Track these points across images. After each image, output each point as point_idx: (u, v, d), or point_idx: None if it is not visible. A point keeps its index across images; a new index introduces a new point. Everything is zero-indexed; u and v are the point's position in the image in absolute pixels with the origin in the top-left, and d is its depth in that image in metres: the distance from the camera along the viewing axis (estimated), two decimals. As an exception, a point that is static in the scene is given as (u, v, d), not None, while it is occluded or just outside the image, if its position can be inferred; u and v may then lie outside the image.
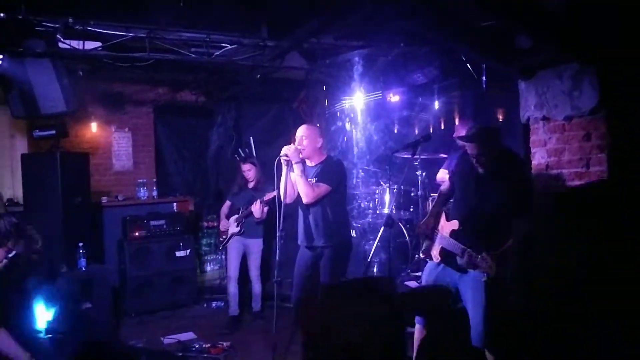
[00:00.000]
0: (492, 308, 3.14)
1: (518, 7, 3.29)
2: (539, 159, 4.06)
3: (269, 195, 5.15)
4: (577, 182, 3.81)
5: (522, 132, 4.32)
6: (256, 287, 5.63)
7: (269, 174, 4.03)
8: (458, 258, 3.24)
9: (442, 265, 3.44)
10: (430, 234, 3.54)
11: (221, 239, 5.77)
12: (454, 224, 3.35)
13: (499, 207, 3.17)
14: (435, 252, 3.50)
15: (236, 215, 5.57)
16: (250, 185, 5.60)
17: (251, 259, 5.59)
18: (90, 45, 4.88)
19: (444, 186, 3.77)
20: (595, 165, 3.68)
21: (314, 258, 3.97)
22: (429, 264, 3.57)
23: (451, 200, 3.66)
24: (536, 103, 4.02)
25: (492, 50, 3.92)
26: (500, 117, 5.35)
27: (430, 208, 4.32)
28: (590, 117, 3.68)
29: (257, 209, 5.28)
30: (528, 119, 4.12)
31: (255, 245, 5.57)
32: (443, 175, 5.20)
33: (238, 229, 5.52)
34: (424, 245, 3.64)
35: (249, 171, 5.57)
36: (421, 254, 3.81)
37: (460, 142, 4.19)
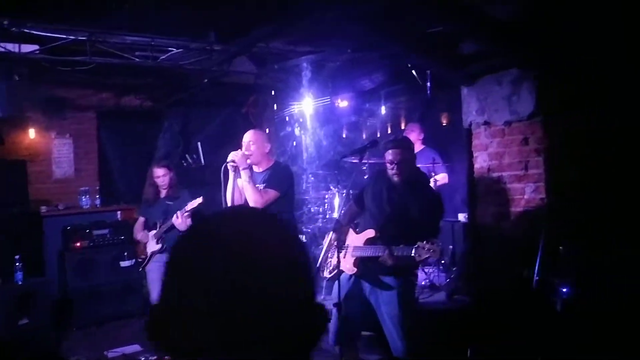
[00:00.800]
0: (407, 316, 3.26)
1: (465, 13, 3.40)
2: (481, 162, 4.20)
3: (192, 204, 4.60)
4: (517, 184, 3.97)
5: (465, 136, 4.45)
6: None
7: (217, 180, 3.94)
8: (385, 258, 3.21)
9: (354, 277, 3.49)
10: (337, 257, 3.49)
11: (140, 260, 5.01)
12: (369, 233, 3.41)
13: (412, 217, 3.26)
14: (349, 265, 3.49)
15: (154, 231, 4.87)
16: (163, 193, 4.93)
17: None
18: (28, 48, 4.68)
19: (343, 216, 3.83)
20: (533, 168, 3.85)
21: None
22: (342, 278, 3.49)
23: (356, 221, 3.70)
24: (478, 108, 4.16)
25: (438, 56, 4.04)
26: (445, 122, 5.51)
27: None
28: (528, 121, 3.85)
29: (180, 221, 4.60)
30: (470, 124, 4.26)
31: None
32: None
33: (159, 245, 4.81)
34: (328, 266, 3.68)
35: (163, 177, 4.87)
36: (327, 274, 3.74)
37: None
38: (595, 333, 3.13)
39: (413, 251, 3.05)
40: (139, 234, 5.04)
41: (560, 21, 3.41)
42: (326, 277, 3.77)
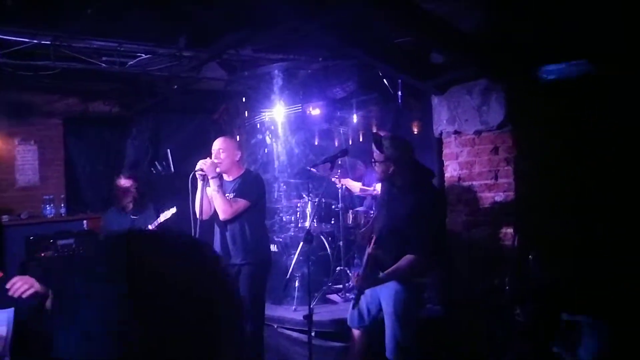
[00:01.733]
0: (404, 319, 3.23)
1: (432, 26, 3.40)
2: (451, 171, 4.21)
3: (165, 215, 4.51)
4: (487, 193, 3.98)
5: (436, 145, 4.45)
6: None
7: (185, 188, 3.83)
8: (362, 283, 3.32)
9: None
10: (365, 245, 3.56)
11: None
12: (372, 240, 3.41)
13: (405, 223, 3.21)
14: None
15: None
16: (129, 207, 4.79)
17: None
18: (-14, 52, 4.51)
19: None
20: (503, 177, 3.86)
21: (233, 275, 3.85)
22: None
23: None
24: (448, 117, 4.16)
25: (408, 66, 4.03)
26: (416, 130, 5.51)
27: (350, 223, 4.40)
28: (497, 131, 3.87)
29: None
30: (441, 133, 4.27)
31: None
32: (355, 186, 5.29)
33: None
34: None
35: (129, 187, 4.74)
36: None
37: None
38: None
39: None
40: None
41: (523, 32, 3.44)
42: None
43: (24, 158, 6.75)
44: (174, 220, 4.65)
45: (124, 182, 4.80)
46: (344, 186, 5.14)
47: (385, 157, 3.22)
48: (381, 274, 3.16)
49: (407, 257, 3.15)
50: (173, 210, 4.58)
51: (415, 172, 3.28)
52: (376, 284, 3.23)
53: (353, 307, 3.48)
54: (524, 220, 3.78)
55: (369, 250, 3.35)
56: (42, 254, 5.64)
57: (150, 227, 4.57)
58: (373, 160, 3.30)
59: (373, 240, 3.29)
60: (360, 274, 3.28)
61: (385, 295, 3.29)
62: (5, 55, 4.56)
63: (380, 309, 3.40)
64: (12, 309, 2.13)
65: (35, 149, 6.80)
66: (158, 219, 4.61)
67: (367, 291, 3.40)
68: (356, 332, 3.55)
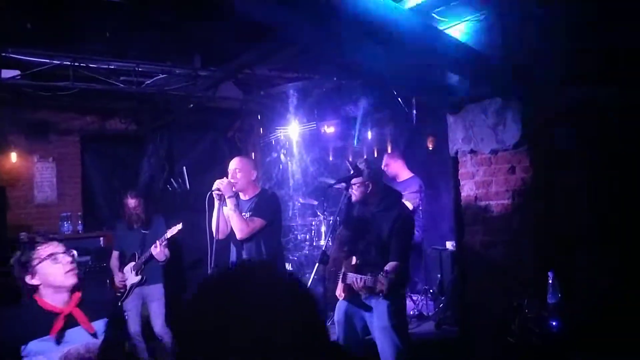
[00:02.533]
0: (400, 329, 3.34)
1: (443, 46, 3.41)
2: (467, 190, 4.18)
3: (172, 231, 4.56)
4: (504, 213, 3.94)
5: (451, 164, 4.43)
6: (167, 340, 4.71)
7: (203, 206, 3.85)
8: (357, 288, 3.33)
9: (347, 301, 3.54)
10: (334, 278, 3.65)
11: (118, 294, 4.77)
12: (352, 260, 3.46)
13: (389, 235, 3.34)
14: (339, 291, 3.59)
15: (132, 263, 4.74)
16: (137, 224, 4.83)
17: (153, 307, 4.74)
18: (9, 73, 4.62)
19: (340, 236, 3.88)
20: (520, 197, 3.83)
21: None
22: (338, 303, 3.65)
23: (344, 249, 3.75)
24: (464, 137, 4.14)
25: (422, 85, 4.03)
26: (431, 147, 5.50)
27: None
28: (514, 150, 3.83)
29: (158, 250, 4.57)
30: (456, 152, 4.24)
31: (157, 291, 4.76)
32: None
33: (139, 277, 4.68)
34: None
35: (137, 207, 4.80)
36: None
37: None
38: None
39: (374, 282, 3.16)
40: (116, 270, 4.89)
41: (537, 53, 3.43)
42: None
43: (43, 175, 6.84)
44: (182, 235, 4.74)
45: (131, 201, 4.83)
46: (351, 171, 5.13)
47: (363, 178, 3.45)
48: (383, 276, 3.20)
49: (391, 264, 3.28)
50: (179, 226, 4.61)
51: (388, 191, 3.58)
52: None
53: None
54: (542, 241, 3.73)
55: (350, 269, 3.43)
56: (60, 272, 5.68)
57: (158, 242, 4.60)
58: (350, 186, 3.52)
59: (354, 260, 3.44)
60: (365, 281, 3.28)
61: (379, 311, 3.37)
62: (25, 76, 4.67)
63: (365, 333, 3.48)
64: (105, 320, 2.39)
65: (53, 166, 6.89)
66: (165, 235, 4.62)
67: (343, 324, 3.52)
68: None
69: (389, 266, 3.27)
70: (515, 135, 3.78)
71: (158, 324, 4.74)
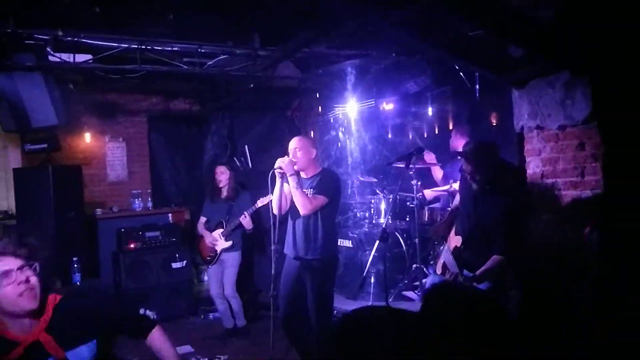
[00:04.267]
0: None
1: (508, 18, 3.26)
2: (533, 168, 4.03)
3: (262, 201, 4.90)
4: (572, 191, 3.78)
5: (516, 140, 4.28)
6: (234, 303, 5.25)
7: (264, 183, 3.98)
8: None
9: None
10: (440, 242, 3.61)
11: (208, 258, 5.30)
12: (458, 240, 3.37)
13: (494, 224, 3.19)
14: (438, 265, 3.58)
15: (221, 230, 5.20)
16: (224, 193, 5.27)
17: (228, 272, 5.19)
18: (81, 58, 4.85)
19: (456, 200, 3.82)
20: (590, 174, 3.65)
21: (302, 269, 3.94)
22: (433, 278, 3.64)
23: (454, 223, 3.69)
24: (529, 112, 3.98)
25: (484, 60, 3.89)
26: (494, 122, 5.33)
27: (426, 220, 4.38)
28: (583, 126, 3.64)
29: (247, 219, 5.03)
30: (522, 128, 4.09)
31: (231, 259, 5.20)
32: (430, 193, 5.23)
33: (229, 242, 5.15)
34: (439, 248, 3.71)
35: (222, 174, 5.21)
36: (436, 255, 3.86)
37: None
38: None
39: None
40: (207, 233, 5.30)
41: (609, 19, 3.21)
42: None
43: (114, 154, 7.21)
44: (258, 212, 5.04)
45: (220, 168, 5.25)
46: (419, 183, 5.08)
47: (472, 167, 3.33)
48: (476, 273, 3.15)
49: (495, 258, 3.20)
50: (270, 196, 4.80)
51: (501, 174, 3.42)
52: (471, 282, 3.20)
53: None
54: (612, 221, 3.56)
55: (451, 249, 3.35)
56: (132, 246, 6.03)
57: (246, 213, 5.01)
58: (468, 170, 3.39)
59: (459, 241, 3.32)
60: (457, 272, 3.24)
61: None
62: (96, 60, 4.89)
63: None
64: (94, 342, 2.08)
65: (123, 146, 7.25)
66: (255, 205, 4.99)
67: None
68: None
69: (491, 262, 3.17)
70: (584, 110, 3.59)
71: (229, 287, 5.19)
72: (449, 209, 4.07)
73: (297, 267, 3.96)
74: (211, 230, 5.27)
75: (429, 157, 5.38)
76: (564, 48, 3.46)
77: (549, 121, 3.85)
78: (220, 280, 5.24)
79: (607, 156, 3.58)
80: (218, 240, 5.21)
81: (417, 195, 5.03)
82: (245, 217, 5.02)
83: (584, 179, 3.69)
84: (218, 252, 5.21)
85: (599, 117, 3.58)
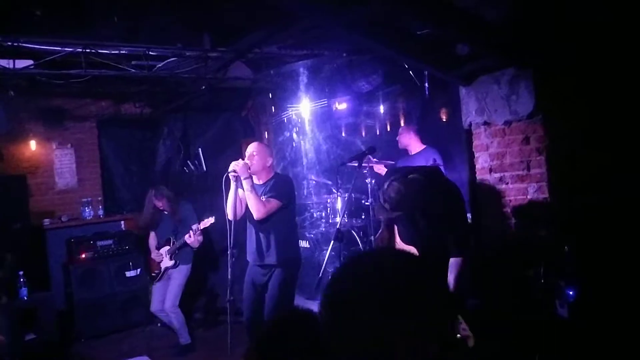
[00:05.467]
0: None
1: (454, 18, 3.34)
2: (482, 163, 4.15)
3: (205, 224, 4.84)
4: (519, 184, 3.91)
5: (465, 136, 4.39)
6: (174, 319, 5.03)
7: (219, 186, 3.92)
8: None
9: None
10: None
11: (153, 274, 5.18)
12: (410, 249, 3.32)
13: (443, 230, 3.12)
14: None
15: (167, 247, 5.08)
16: (166, 213, 5.15)
17: (172, 284, 5.03)
18: (22, 63, 4.66)
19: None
20: (535, 167, 3.79)
21: (264, 276, 3.92)
22: None
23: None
24: (477, 108, 4.10)
25: (432, 58, 3.98)
26: (444, 119, 5.44)
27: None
28: (528, 121, 3.78)
29: (192, 239, 4.91)
30: (470, 124, 4.20)
31: (178, 273, 5.05)
32: (382, 169, 5.26)
33: (173, 262, 5.03)
34: None
35: (163, 204, 5.09)
36: None
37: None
38: (602, 339, 3.09)
39: None
40: (152, 246, 5.21)
41: (551, 19, 3.34)
42: None
43: (62, 161, 6.95)
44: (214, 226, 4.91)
45: (157, 202, 5.07)
46: (373, 181, 5.14)
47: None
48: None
49: (457, 261, 3.03)
50: (211, 219, 4.80)
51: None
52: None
53: None
54: (558, 211, 3.70)
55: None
56: (83, 256, 5.84)
57: (191, 232, 4.91)
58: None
59: (413, 250, 3.26)
60: None
61: None
62: (39, 65, 4.71)
63: None
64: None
65: (72, 152, 7.00)
66: (198, 225, 4.90)
67: None
68: None
69: (453, 266, 2.98)
70: (528, 106, 3.73)
71: (169, 301, 5.01)
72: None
73: (258, 273, 3.93)
74: (160, 246, 5.14)
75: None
76: (509, 45, 3.57)
77: (495, 117, 3.97)
78: (163, 296, 5.06)
79: (551, 149, 3.73)
80: (163, 257, 5.11)
81: (370, 182, 5.05)
82: (190, 236, 4.90)
83: (530, 172, 3.83)
84: (162, 269, 5.08)
85: (543, 112, 3.72)
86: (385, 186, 2.94)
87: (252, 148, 3.94)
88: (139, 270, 6.05)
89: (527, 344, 3.51)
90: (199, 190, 5.47)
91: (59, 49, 4.58)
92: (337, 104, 5.63)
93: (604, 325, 3.10)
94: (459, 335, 3.00)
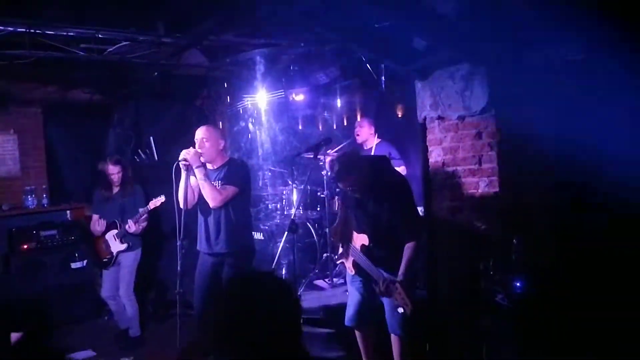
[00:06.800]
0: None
1: (411, 10, 3.36)
2: (435, 157, 4.21)
3: (154, 203, 4.63)
4: (471, 179, 3.99)
5: (419, 130, 4.43)
6: (129, 307, 4.87)
7: (171, 176, 3.79)
8: (373, 283, 3.26)
9: (358, 275, 3.50)
10: (342, 243, 3.58)
11: (105, 260, 4.91)
12: (364, 239, 3.36)
13: (393, 216, 3.22)
14: (349, 265, 3.53)
15: (115, 231, 4.82)
16: (116, 190, 4.90)
17: (124, 272, 4.84)
18: (-41, 42, 4.38)
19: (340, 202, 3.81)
20: (487, 162, 3.87)
21: (216, 265, 3.83)
22: (350, 277, 3.60)
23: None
24: (432, 103, 4.15)
25: (388, 51, 3.99)
26: (400, 114, 5.50)
27: (337, 210, 4.36)
28: (480, 116, 3.86)
29: (134, 228, 4.71)
30: (425, 119, 4.25)
31: (129, 258, 4.85)
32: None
33: (124, 245, 4.80)
34: (340, 250, 3.68)
35: (117, 173, 4.83)
36: (337, 260, 3.88)
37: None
38: (546, 330, 3.19)
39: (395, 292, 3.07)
40: (96, 232, 4.95)
41: (504, 16, 3.40)
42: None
43: (4, 148, 6.61)
44: (162, 207, 4.73)
45: (112, 168, 4.84)
46: (329, 173, 5.13)
47: (348, 183, 3.26)
48: (401, 271, 3.14)
49: (409, 246, 3.17)
50: (162, 198, 4.62)
51: (376, 172, 3.32)
52: (408, 286, 3.15)
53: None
54: (508, 205, 3.79)
55: (358, 248, 3.36)
56: (25, 246, 5.58)
57: (140, 210, 4.72)
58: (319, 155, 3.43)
59: (366, 238, 3.32)
60: (386, 278, 3.18)
61: None
62: (-22, 44, 4.44)
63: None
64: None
65: (15, 139, 6.66)
66: (148, 206, 4.71)
67: (362, 286, 3.48)
68: (361, 332, 3.59)
69: (407, 250, 3.13)
70: (481, 101, 3.80)
71: (123, 288, 4.86)
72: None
73: (211, 263, 3.82)
74: (106, 230, 4.90)
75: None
76: (464, 41, 3.62)
77: (449, 111, 4.03)
78: (116, 281, 4.88)
79: (502, 145, 3.81)
80: (111, 242, 4.87)
81: (326, 174, 5.05)
82: (131, 227, 4.70)
83: (482, 167, 3.91)
84: (114, 254, 4.85)
85: (495, 108, 3.80)
86: (334, 166, 3.23)
87: (201, 133, 3.80)
88: (84, 261, 5.83)
89: (474, 333, 3.59)
90: (149, 180, 5.28)
91: (0, 28, 4.33)
92: (294, 95, 5.59)
93: (545, 315, 3.20)
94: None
